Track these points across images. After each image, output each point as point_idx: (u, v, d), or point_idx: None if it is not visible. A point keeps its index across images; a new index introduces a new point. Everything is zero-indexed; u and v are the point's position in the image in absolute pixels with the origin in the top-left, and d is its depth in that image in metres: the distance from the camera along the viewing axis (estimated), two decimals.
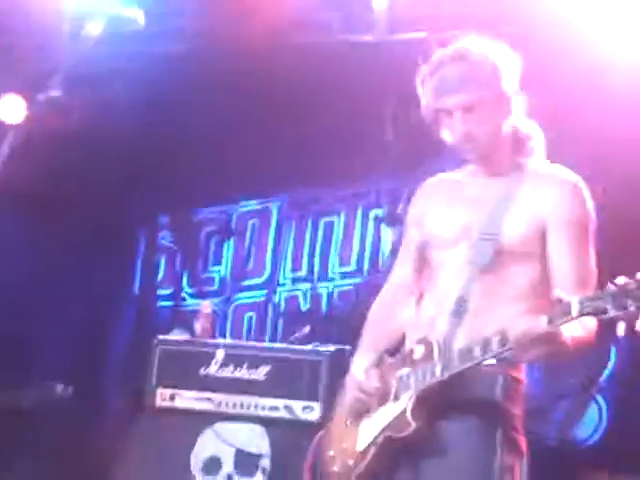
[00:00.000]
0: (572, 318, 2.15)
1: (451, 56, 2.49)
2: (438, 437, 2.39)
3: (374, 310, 2.73)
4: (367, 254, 5.71)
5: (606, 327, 4.89)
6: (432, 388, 2.40)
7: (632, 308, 2.04)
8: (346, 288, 5.73)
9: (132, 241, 6.26)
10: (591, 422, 4.79)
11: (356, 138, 5.39)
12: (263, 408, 4.20)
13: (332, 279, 5.84)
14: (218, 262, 6.15)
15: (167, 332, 4.62)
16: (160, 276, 6.24)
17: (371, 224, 5.70)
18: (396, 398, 2.47)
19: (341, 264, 5.85)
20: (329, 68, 5.19)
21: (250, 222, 6.14)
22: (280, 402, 4.17)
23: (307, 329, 4.57)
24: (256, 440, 4.15)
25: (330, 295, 5.75)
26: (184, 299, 6.10)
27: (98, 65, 4.47)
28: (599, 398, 4.82)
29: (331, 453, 2.62)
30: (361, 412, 2.57)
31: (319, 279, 5.86)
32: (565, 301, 2.15)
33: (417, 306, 2.65)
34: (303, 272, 5.92)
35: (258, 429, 4.17)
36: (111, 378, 5.73)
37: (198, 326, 4.54)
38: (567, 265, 2.42)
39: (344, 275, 5.76)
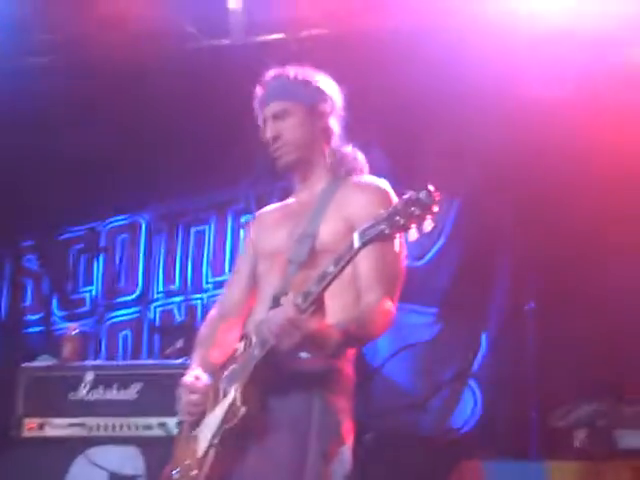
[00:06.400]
0: (358, 249, 2.30)
1: (273, 75, 2.77)
2: (264, 422, 2.47)
3: (201, 330, 2.84)
4: None
5: (476, 315, 4.96)
6: (257, 373, 2.45)
7: (402, 222, 2.23)
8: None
9: None
10: (466, 409, 4.84)
11: (220, 144, 5.33)
12: (137, 428, 4.11)
13: (206, 290, 5.76)
14: (89, 281, 5.99)
15: (35, 358, 4.46)
16: (28, 301, 6.04)
17: (242, 231, 5.65)
18: (225, 395, 2.53)
19: (214, 274, 5.77)
20: (189, 75, 5.13)
21: (119, 237, 6.01)
22: (154, 420, 4.09)
23: (180, 343, 4.48)
24: (130, 461, 4.05)
25: (205, 306, 5.63)
26: (55, 323, 5.91)
27: None
28: (473, 385, 4.88)
29: (175, 473, 2.57)
30: (198, 419, 2.59)
31: (193, 291, 5.77)
32: (348, 238, 2.30)
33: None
34: (176, 285, 5.81)
35: (132, 450, 4.08)
36: None
37: (65, 350, 4.40)
38: (369, 260, 2.53)
39: (218, 285, 5.62)
